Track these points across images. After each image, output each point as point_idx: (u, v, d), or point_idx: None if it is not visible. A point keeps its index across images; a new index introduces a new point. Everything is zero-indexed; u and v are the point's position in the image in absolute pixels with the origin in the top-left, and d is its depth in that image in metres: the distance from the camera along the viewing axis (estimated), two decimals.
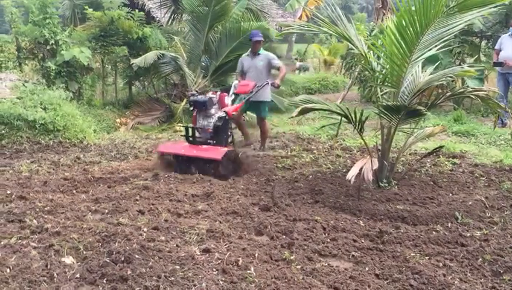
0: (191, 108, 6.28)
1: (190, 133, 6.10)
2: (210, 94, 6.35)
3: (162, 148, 6.15)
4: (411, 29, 4.58)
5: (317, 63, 23.19)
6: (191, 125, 6.31)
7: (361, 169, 4.58)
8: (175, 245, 3.68)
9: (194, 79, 9.93)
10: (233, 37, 10.17)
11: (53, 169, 6.02)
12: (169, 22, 13.41)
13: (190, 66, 10.34)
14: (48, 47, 9.30)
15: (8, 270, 3.16)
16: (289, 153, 7.17)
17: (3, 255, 3.39)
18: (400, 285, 3.17)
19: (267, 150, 7.46)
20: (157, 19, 14.41)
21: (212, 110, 6.20)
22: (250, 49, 7.44)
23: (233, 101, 6.68)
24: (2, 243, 3.60)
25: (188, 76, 9.82)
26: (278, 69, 7.32)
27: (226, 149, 5.82)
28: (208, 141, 6.03)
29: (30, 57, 9.82)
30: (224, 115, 6.18)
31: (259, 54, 7.31)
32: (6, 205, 4.50)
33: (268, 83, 6.97)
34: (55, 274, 3.13)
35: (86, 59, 9.20)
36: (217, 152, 5.72)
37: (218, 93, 6.43)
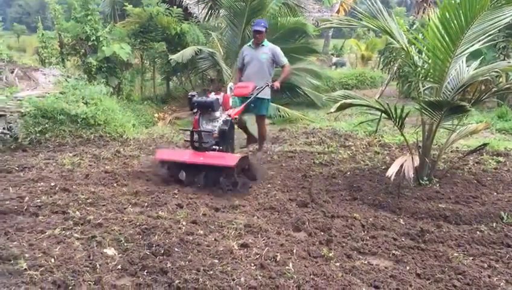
0: (194, 110, 5.55)
1: (196, 138, 5.32)
2: (213, 95, 5.66)
3: (160, 155, 5.38)
4: (455, 22, 4.43)
5: (354, 59, 22.89)
6: (200, 129, 5.42)
7: (401, 166, 4.47)
8: (213, 239, 3.70)
9: (231, 74, 9.97)
10: (270, 32, 10.13)
11: (94, 162, 6.15)
12: (207, 18, 13.49)
13: (227, 62, 10.40)
14: (90, 43, 9.53)
15: (52, 260, 3.25)
16: (326, 149, 7.12)
17: (48, 245, 3.49)
18: (443, 285, 3.09)
19: (302, 145, 7.41)
20: (195, 15, 14.53)
21: (217, 113, 5.55)
22: (252, 40, 6.81)
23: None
24: (47, 233, 3.71)
25: (225, 71, 9.87)
26: (282, 67, 6.70)
27: (238, 155, 5.26)
28: (213, 147, 5.33)
29: (72, 52, 10.12)
30: (229, 118, 5.59)
31: (263, 45, 6.63)
32: (51, 196, 4.63)
33: (268, 85, 6.34)
34: (97, 265, 3.20)
35: (125, 55, 9.38)
36: (229, 158, 5.05)
37: (222, 94, 5.76)
